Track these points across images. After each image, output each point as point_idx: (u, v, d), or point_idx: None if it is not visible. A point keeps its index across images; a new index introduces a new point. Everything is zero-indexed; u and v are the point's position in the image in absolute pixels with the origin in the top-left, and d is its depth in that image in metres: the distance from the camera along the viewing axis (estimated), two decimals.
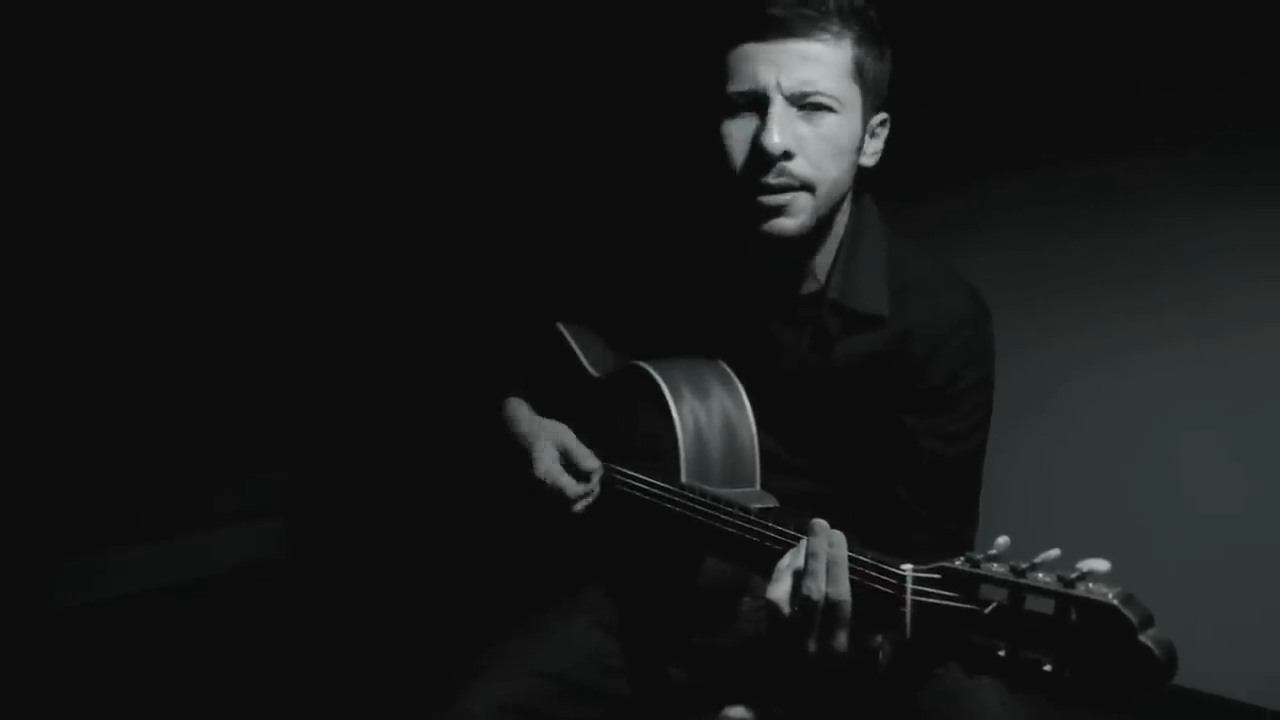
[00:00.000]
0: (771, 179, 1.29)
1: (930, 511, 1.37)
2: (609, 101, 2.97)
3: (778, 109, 1.28)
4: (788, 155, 1.29)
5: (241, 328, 2.89)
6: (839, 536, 1.13)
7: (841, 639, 1.12)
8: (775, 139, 1.27)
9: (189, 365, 2.81)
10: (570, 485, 1.49)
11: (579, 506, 1.49)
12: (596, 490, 1.50)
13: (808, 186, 1.31)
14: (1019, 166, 2.46)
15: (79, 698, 2.27)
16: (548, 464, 1.50)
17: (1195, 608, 2.16)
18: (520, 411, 1.61)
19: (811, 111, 1.29)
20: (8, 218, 2.49)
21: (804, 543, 1.16)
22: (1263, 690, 2.20)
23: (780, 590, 1.15)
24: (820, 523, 1.14)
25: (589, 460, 1.50)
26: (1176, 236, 2.27)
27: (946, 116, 2.34)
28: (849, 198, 1.41)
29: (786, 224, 1.32)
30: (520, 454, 1.55)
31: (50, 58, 2.48)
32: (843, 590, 1.11)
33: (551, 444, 1.53)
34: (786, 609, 1.14)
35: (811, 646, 1.13)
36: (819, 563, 1.12)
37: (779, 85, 1.28)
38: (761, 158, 1.28)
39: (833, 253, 1.42)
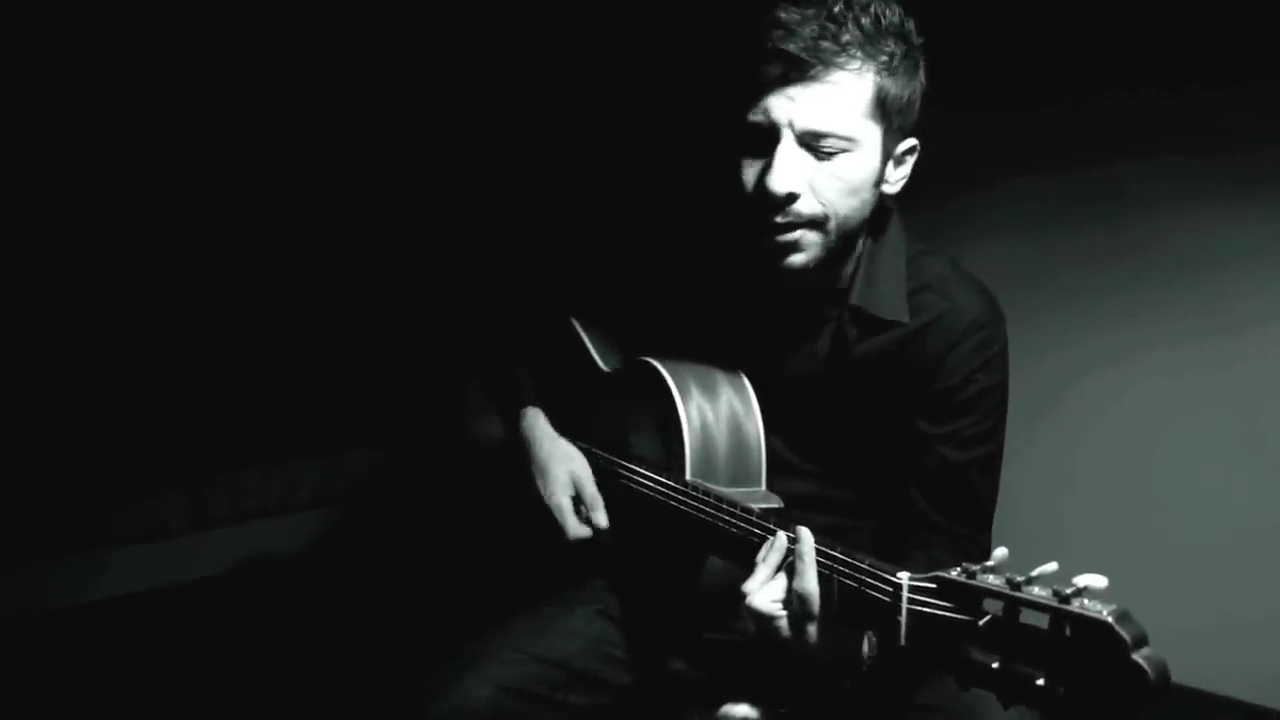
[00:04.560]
0: (778, 219, 1.28)
1: (945, 517, 1.37)
2: (632, 104, 2.95)
3: (786, 149, 1.26)
4: (792, 198, 1.27)
5: (241, 326, 2.88)
6: (805, 532, 1.16)
7: (810, 631, 1.15)
8: (779, 183, 1.25)
9: (189, 365, 2.81)
10: (573, 525, 1.53)
11: (567, 548, 1.53)
12: (591, 535, 1.52)
13: (815, 223, 1.30)
14: (1031, 170, 2.44)
15: (78, 698, 2.29)
16: (558, 495, 1.54)
17: (1204, 609, 2.17)
18: (539, 427, 1.62)
19: (824, 150, 1.26)
20: (7, 218, 2.49)
21: (774, 538, 1.20)
22: (1271, 691, 2.20)
23: (753, 582, 1.19)
24: (803, 530, 1.17)
25: (599, 515, 1.52)
26: (1187, 240, 2.25)
27: (959, 120, 2.32)
28: (881, 208, 1.39)
29: (795, 259, 1.32)
30: (535, 471, 1.58)
31: (50, 58, 2.46)
32: (807, 584, 1.14)
33: (567, 474, 1.55)
34: (756, 600, 1.18)
35: (784, 635, 1.17)
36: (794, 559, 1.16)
37: (791, 123, 1.25)
38: (766, 198, 1.27)
39: (853, 262, 1.41)
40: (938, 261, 1.42)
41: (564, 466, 1.56)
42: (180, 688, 2.34)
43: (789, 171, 1.26)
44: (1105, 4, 2.30)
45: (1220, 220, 2.20)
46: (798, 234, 1.30)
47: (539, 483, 1.57)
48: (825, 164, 1.27)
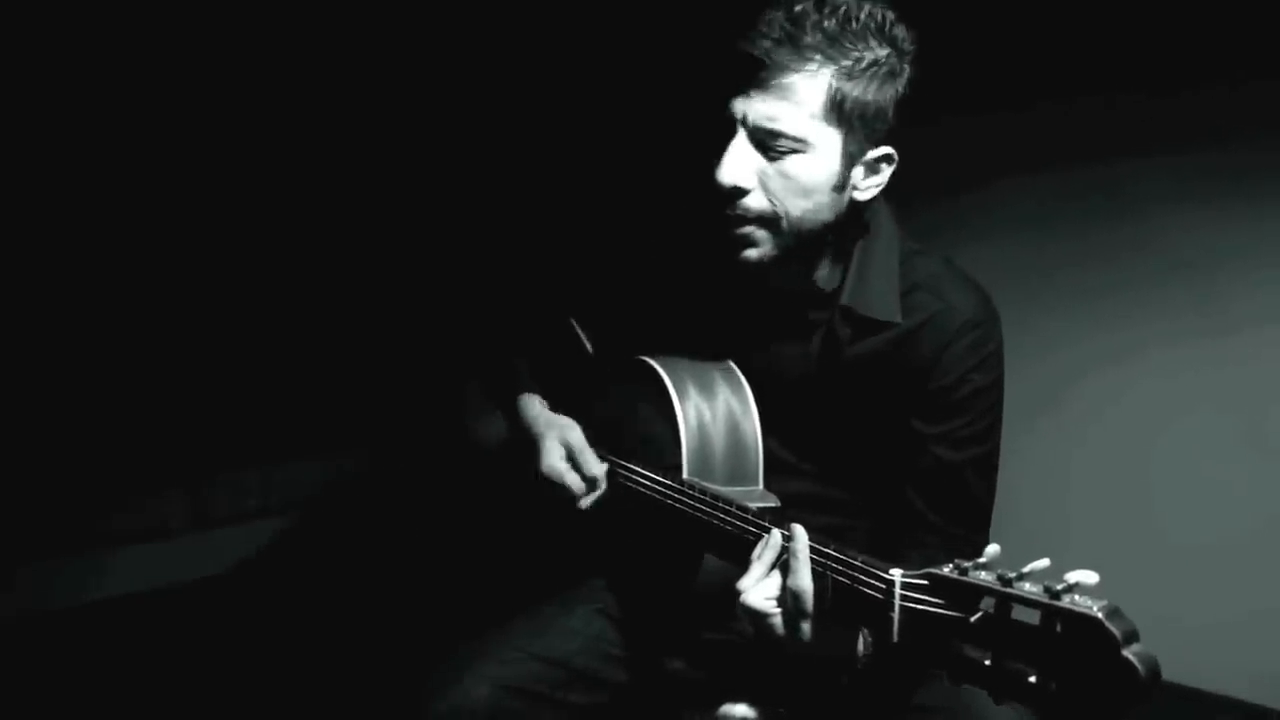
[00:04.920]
0: (727, 210, 1.30)
1: (941, 517, 1.37)
2: (628, 104, 2.96)
3: (737, 143, 1.28)
4: (738, 191, 1.29)
5: (242, 327, 2.88)
6: (799, 530, 1.17)
7: (805, 628, 1.16)
8: (725, 174, 1.28)
9: (189, 365, 2.81)
10: (575, 483, 1.50)
11: (583, 504, 1.51)
12: (601, 490, 1.50)
13: (764, 220, 1.31)
14: (1026, 170, 2.44)
15: (79, 698, 2.29)
16: (553, 460, 1.52)
17: (1203, 608, 2.17)
18: (532, 406, 1.62)
19: (775, 150, 1.27)
20: (8, 218, 2.49)
21: (769, 536, 1.20)
22: (1270, 690, 2.19)
23: (748, 580, 1.20)
24: (797, 528, 1.17)
25: (594, 464, 1.50)
26: (1184, 239, 2.25)
27: (954, 120, 2.33)
28: (857, 213, 1.38)
29: (749, 254, 1.33)
30: (527, 446, 1.57)
31: (50, 58, 2.47)
32: (801, 581, 1.14)
33: (559, 440, 1.53)
34: (750, 597, 1.19)
35: (778, 633, 1.18)
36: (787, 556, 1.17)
37: (745, 118, 1.27)
38: (717, 190, 1.29)
39: (838, 261, 1.41)
40: (931, 261, 1.42)
41: (554, 434, 1.54)
42: (181, 687, 2.35)
43: (736, 165, 1.28)
44: (1100, 4, 2.30)
45: (1216, 220, 2.20)
46: (748, 229, 1.32)
47: (534, 458, 1.55)
48: (776, 163, 1.28)
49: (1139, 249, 2.31)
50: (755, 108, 1.26)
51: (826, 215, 1.33)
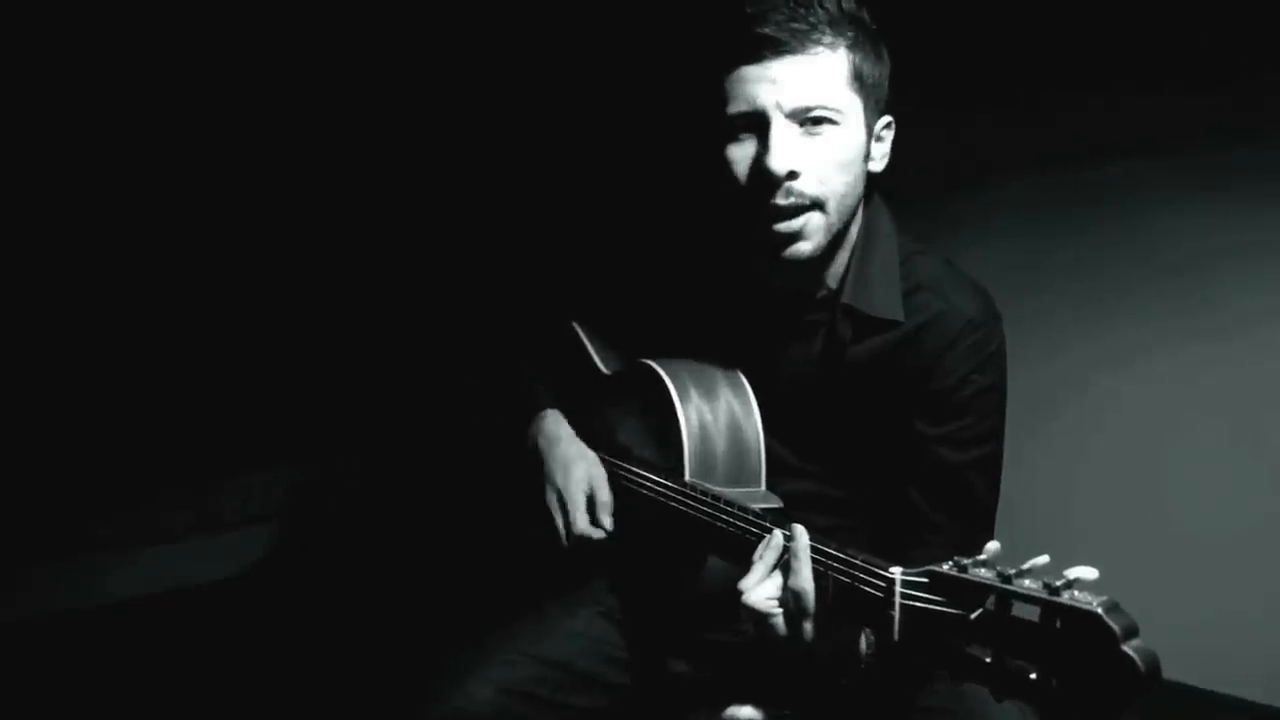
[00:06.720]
0: (780, 200, 1.29)
1: (944, 517, 1.37)
2: (623, 106, 2.97)
3: (778, 129, 1.27)
4: (793, 175, 1.28)
5: (247, 331, 2.89)
6: (800, 530, 1.17)
7: (806, 628, 1.16)
8: (778, 161, 1.26)
9: (193, 369, 2.83)
10: (583, 524, 1.51)
11: (572, 545, 1.52)
12: (599, 538, 1.51)
13: (818, 204, 1.30)
14: (1025, 171, 2.44)
15: (82, 700, 2.30)
16: (575, 490, 1.52)
17: (1209, 609, 2.16)
18: (564, 427, 1.62)
19: (814, 126, 1.27)
20: (9, 218, 2.50)
21: (770, 536, 1.20)
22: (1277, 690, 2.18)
23: (749, 580, 1.20)
24: (798, 528, 1.18)
25: (607, 519, 1.51)
26: (1185, 239, 2.24)
27: (953, 119, 2.33)
28: (860, 204, 1.40)
29: (802, 248, 1.32)
30: (556, 465, 1.57)
31: (50, 58, 2.48)
32: (802, 581, 1.15)
33: (586, 472, 1.54)
34: (752, 598, 1.19)
35: (780, 633, 1.18)
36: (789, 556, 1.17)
37: (778, 104, 1.27)
38: (767, 180, 1.27)
39: (846, 258, 1.41)
40: (932, 261, 1.42)
41: (584, 465, 1.55)
42: (184, 690, 2.35)
43: (786, 150, 1.27)
44: (1099, 3, 2.31)
45: (1216, 220, 2.20)
46: (803, 219, 1.30)
47: (558, 476, 1.55)
48: (816, 140, 1.28)
49: (1139, 249, 2.31)
50: (787, 88, 1.26)
51: (860, 190, 1.35)
